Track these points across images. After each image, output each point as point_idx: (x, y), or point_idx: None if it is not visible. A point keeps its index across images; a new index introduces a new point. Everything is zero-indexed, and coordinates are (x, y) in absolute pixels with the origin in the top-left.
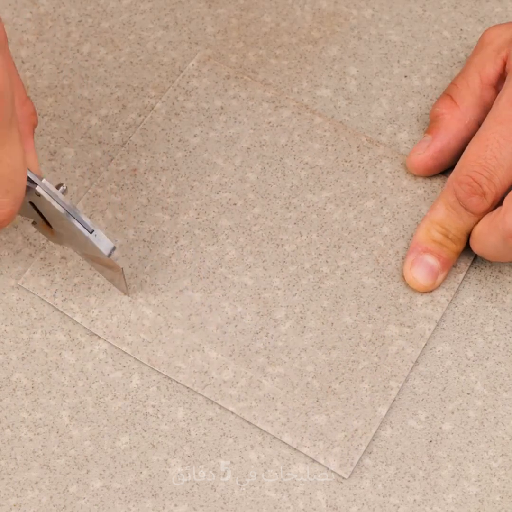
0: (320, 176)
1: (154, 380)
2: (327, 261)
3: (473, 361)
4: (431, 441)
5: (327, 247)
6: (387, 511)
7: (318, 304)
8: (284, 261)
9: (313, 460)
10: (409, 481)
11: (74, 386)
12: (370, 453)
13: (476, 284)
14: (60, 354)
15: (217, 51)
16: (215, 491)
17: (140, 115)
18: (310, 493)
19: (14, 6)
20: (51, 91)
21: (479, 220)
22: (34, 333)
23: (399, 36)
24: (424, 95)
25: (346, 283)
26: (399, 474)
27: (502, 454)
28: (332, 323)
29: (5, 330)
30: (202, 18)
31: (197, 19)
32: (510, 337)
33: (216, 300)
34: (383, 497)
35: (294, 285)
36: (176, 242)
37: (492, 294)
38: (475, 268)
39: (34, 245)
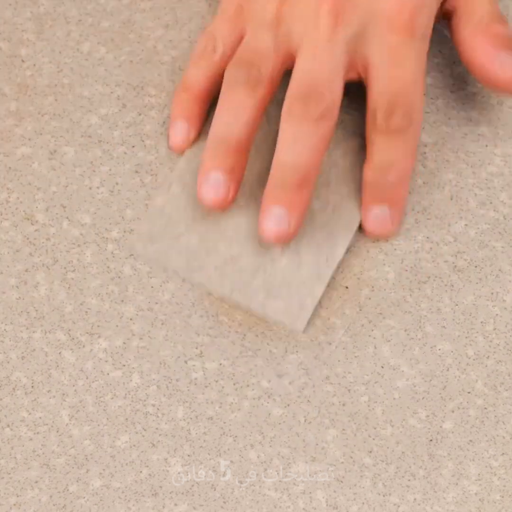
0: None
1: (154, 379)
2: (317, 198)
3: (474, 359)
4: (431, 440)
5: (317, 185)
6: (387, 511)
7: (312, 239)
8: None
9: (313, 460)
10: (409, 480)
11: (74, 385)
12: (370, 452)
13: (477, 283)
14: (59, 353)
15: None
16: (215, 490)
17: (140, 114)
18: (310, 493)
19: (14, 6)
20: (51, 90)
21: None
22: (33, 332)
23: None
24: (424, 94)
25: (338, 218)
26: (399, 473)
27: (503, 453)
28: (327, 257)
29: (5, 329)
30: (202, 17)
31: (197, 18)
32: (510, 336)
33: (213, 242)
34: (383, 496)
35: None
36: (168, 191)
37: (492, 293)
38: (475, 267)
39: (34, 244)
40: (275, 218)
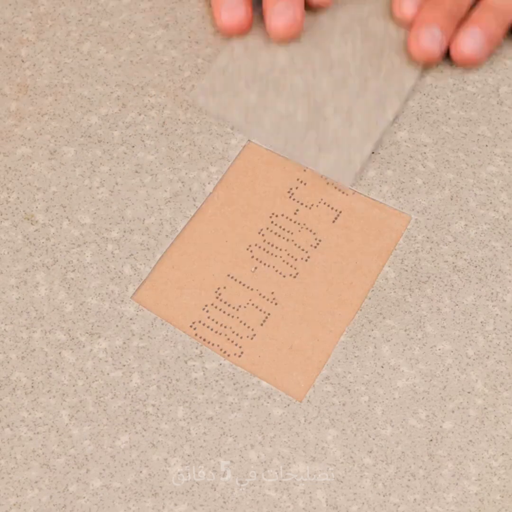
0: None
1: (154, 379)
2: (370, 65)
3: (474, 359)
4: (431, 440)
5: (371, 53)
6: (387, 511)
7: (364, 102)
8: (331, 66)
9: (313, 460)
10: (409, 480)
11: (74, 385)
12: (370, 452)
13: (477, 283)
14: (59, 353)
15: (217, 50)
16: (215, 490)
17: (140, 114)
18: (310, 493)
19: (14, 5)
20: (51, 90)
21: None
22: (33, 332)
23: None
24: (424, 94)
25: (388, 85)
26: (399, 473)
27: (503, 453)
28: (377, 119)
29: (5, 329)
30: (202, 17)
31: (197, 18)
32: (510, 336)
33: (270, 100)
34: (383, 496)
35: (341, 86)
36: (231, 53)
37: (492, 293)
38: (475, 267)
39: (34, 244)
40: (279, 12)
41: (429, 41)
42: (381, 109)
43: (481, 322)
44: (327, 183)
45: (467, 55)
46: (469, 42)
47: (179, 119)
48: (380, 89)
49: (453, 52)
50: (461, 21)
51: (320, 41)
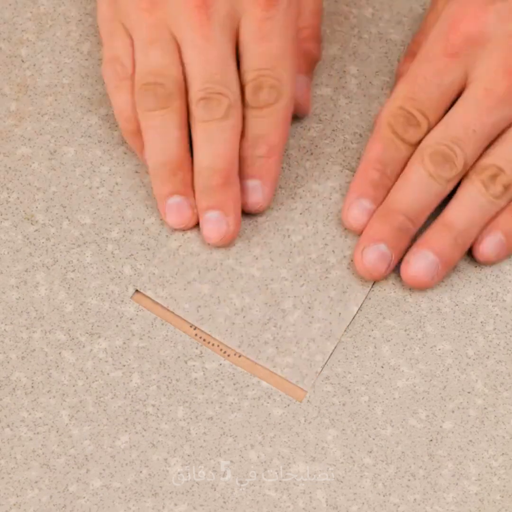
0: (325, 166)
1: (154, 379)
2: (333, 251)
3: (474, 359)
4: (431, 440)
5: (334, 237)
6: (387, 511)
7: (326, 294)
8: (290, 252)
9: (313, 460)
10: (409, 480)
11: (74, 386)
12: (370, 452)
13: (477, 283)
14: (59, 353)
15: None
16: (215, 490)
17: None
18: (310, 493)
19: (14, 5)
20: (51, 90)
21: (413, 152)
22: (33, 332)
23: (399, 35)
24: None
25: (352, 273)
26: (399, 473)
27: (503, 453)
28: (340, 313)
29: (5, 329)
30: None
31: None
32: (510, 336)
33: (224, 291)
34: (383, 496)
35: (301, 276)
36: (183, 235)
37: (492, 293)
38: (475, 267)
39: (34, 244)
40: (212, 222)
41: (375, 261)
42: (344, 302)
43: (481, 322)
44: None
45: (417, 280)
46: (419, 266)
47: None
48: (343, 279)
49: (402, 273)
50: (415, 237)
51: (279, 222)
